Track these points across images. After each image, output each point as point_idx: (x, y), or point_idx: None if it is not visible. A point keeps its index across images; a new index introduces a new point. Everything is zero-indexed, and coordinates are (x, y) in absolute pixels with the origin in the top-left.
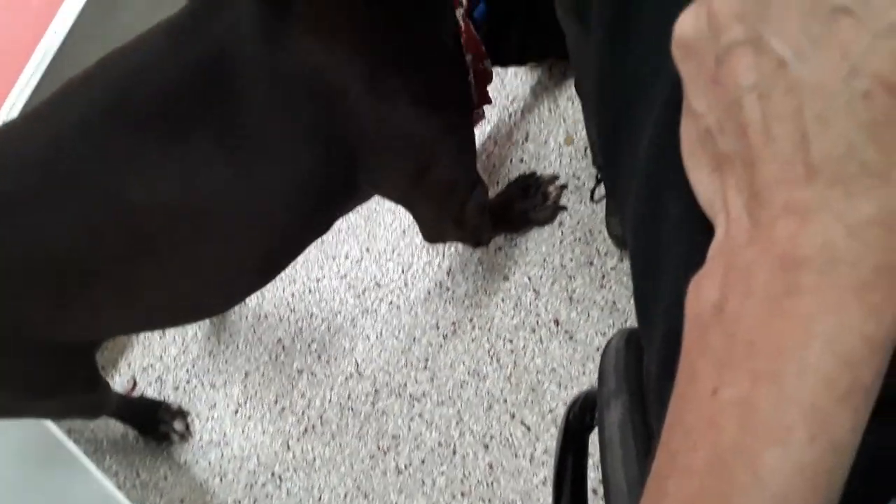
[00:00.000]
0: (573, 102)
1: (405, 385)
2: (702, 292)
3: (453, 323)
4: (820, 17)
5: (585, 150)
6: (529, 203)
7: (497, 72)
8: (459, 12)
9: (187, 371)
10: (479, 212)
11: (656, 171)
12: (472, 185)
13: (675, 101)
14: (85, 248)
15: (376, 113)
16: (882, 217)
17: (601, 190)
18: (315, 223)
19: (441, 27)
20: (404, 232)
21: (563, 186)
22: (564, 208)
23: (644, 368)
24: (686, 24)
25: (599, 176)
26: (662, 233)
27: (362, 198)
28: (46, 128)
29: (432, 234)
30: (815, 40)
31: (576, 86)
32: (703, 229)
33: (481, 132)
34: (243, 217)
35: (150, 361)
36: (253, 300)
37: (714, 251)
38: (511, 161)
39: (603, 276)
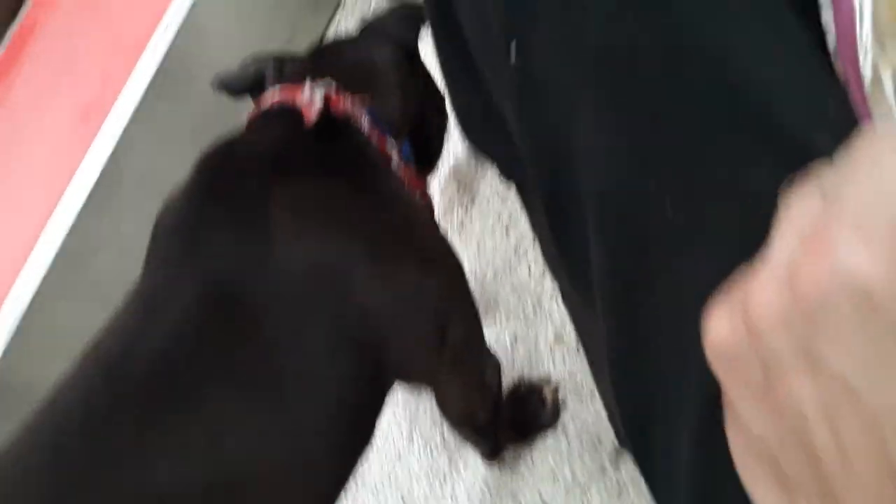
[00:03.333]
0: (556, 301)
1: None
2: None
3: None
4: (886, 336)
5: (578, 349)
6: (529, 412)
7: (475, 273)
8: (395, 163)
9: None
10: (499, 372)
11: (703, 483)
12: (485, 344)
13: (713, 402)
14: None
15: (389, 286)
16: None
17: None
18: (357, 444)
19: (392, 183)
20: (399, 456)
21: (559, 388)
22: (564, 406)
23: None
24: (720, 329)
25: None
26: None
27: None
28: (47, 433)
29: (462, 411)
30: (887, 363)
31: (563, 295)
32: None
33: None
34: (283, 464)
35: None
36: None
37: None
38: (503, 368)
39: (619, 484)
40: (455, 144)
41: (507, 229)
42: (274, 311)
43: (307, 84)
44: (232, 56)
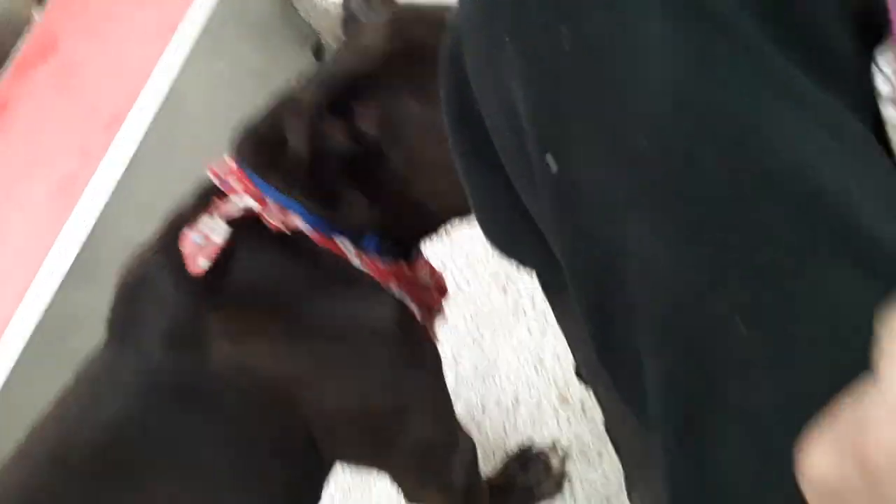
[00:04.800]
0: (559, 360)
1: None
2: None
3: None
4: None
5: (583, 409)
6: (532, 478)
7: (472, 335)
8: (356, 262)
9: None
10: (468, 471)
11: None
12: (452, 442)
13: None
14: None
15: (329, 403)
16: None
17: None
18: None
19: (350, 284)
20: None
21: (566, 456)
22: (568, 479)
23: None
24: (823, 465)
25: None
26: None
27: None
28: None
29: (413, 497)
30: None
31: (576, 372)
32: None
33: (467, 402)
34: None
35: None
36: None
37: None
38: (505, 430)
39: None
40: None
41: (504, 289)
42: (207, 405)
43: (215, 212)
44: (215, 127)
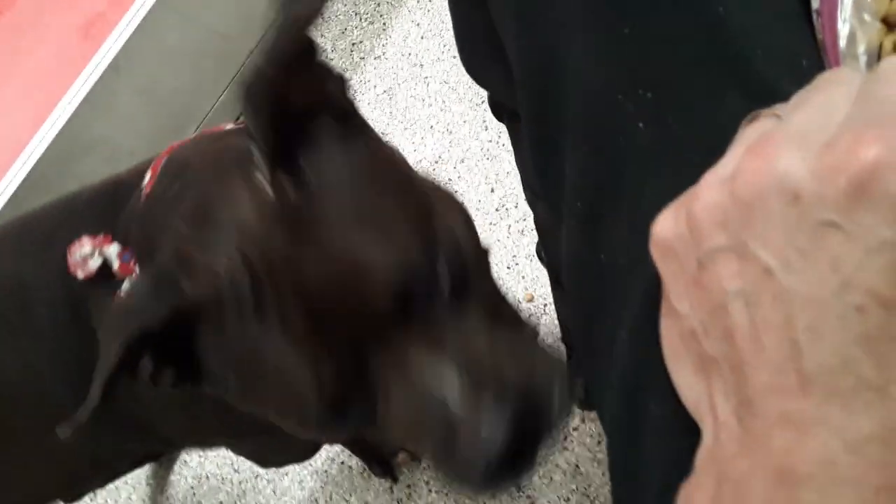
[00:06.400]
0: (531, 260)
1: None
2: None
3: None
4: (806, 229)
5: (545, 308)
6: None
7: None
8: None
9: None
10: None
11: (636, 369)
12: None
13: (654, 297)
14: None
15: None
16: (883, 434)
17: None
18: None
19: None
20: None
21: None
22: None
23: None
24: (665, 226)
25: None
26: (644, 434)
27: None
28: None
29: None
30: (803, 252)
31: (537, 251)
32: (688, 432)
33: None
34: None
35: None
36: (195, 459)
37: (703, 458)
38: None
39: (565, 438)
40: (436, 140)
41: (492, 188)
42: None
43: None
44: None
